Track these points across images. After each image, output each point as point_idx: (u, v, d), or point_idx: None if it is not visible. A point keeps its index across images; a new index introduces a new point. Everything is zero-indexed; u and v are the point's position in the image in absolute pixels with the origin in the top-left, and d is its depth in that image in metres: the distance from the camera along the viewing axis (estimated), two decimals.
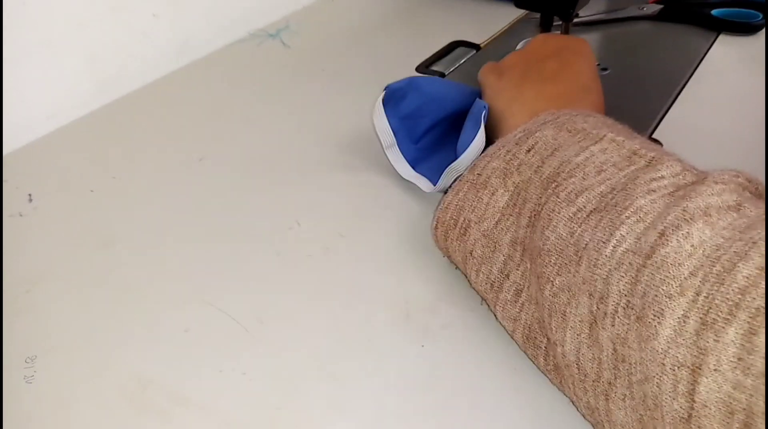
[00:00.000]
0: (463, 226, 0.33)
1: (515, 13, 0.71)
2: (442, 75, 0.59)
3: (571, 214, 0.28)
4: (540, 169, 0.31)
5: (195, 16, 0.63)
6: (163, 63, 0.61)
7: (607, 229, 0.26)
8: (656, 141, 0.47)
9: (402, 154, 0.43)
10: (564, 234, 0.28)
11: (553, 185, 0.30)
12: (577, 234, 0.27)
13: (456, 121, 0.43)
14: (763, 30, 0.63)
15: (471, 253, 0.33)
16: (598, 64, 0.61)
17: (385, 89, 0.43)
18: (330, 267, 0.38)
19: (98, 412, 0.30)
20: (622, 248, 0.25)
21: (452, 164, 0.39)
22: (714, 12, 0.65)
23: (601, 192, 0.28)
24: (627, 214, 0.26)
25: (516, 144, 0.33)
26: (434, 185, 0.41)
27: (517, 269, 0.31)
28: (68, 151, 0.50)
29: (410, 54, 0.62)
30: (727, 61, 0.59)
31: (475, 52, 0.64)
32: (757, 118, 0.50)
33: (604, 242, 0.26)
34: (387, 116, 0.42)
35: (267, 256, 0.39)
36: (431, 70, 0.60)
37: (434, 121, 0.43)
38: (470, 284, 0.34)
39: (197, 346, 0.33)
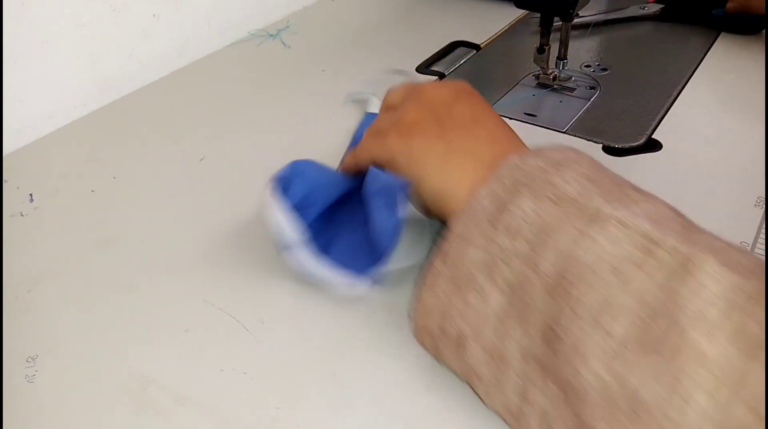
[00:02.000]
0: (458, 339, 0.28)
1: (515, 13, 0.71)
2: (443, 75, 0.59)
3: (608, 349, 0.23)
4: (534, 263, 0.26)
5: (195, 17, 0.63)
6: (163, 63, 0.61)
7: (665, 380, 0.22)
8: (656, 141, 0.47)
9: (308, 249, 0.35)
10: (606, 377, 0.23)
11: (563, 294, 0.24)
12: (624, 379, 0.22)
13: (343, 204, 0.38)
14: (763, 30, 0.63)
15: (477, 375, 0.28)
16: (598, 64, 0.61)
17: (271, 180, 0.36)
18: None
19: (99, 411, 0.30)
20: (694, 414, 0.21)
21: (381, 254, 0.34)
22: (714, 12, 0.65)
23: (638, 317, 0.23)
24: (688, 363, 0.21)
25: (490, 224, 0.27)
26: (359, 278, 0.35)
27: (539, 391, 0.25)
28: (69, 151, 0.50)
29: (410, 54, 0.62)
30: (727, 61, 0.59)
31: (475, 52, 0.64)
32: (757, 118, 0.50)
33: (667, 401, 0.21)
34: (282, 209, 0.35)
35: (267, 256, 0.39)
36: (431, 70, 0.60)
37: (323, 208, 0.37)
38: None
39: (198, 346, 0.33)
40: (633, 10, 0.69)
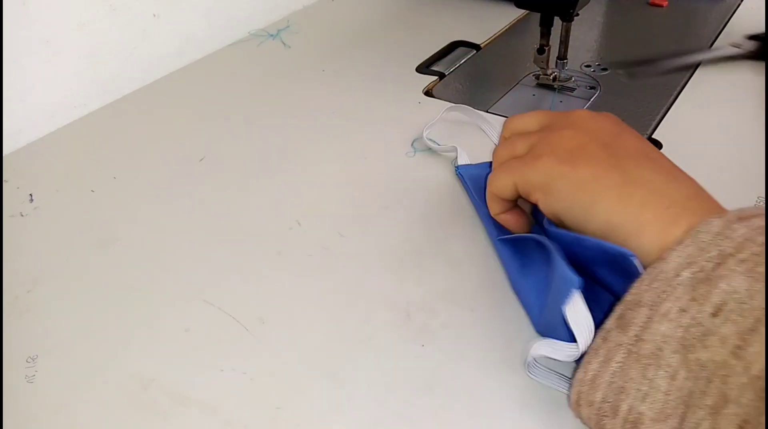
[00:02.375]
0: (631, 419, 0.25)
1: (515, 13, 0.71)
2: (442, 75, 0.59)
3: None
4: (741, 355, 0.22)
5: (195, 16, 0.63)
6: (163, 63, 0.61)
7: None
8: (656, 141, 0.47)
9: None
10: None
11: None
12: None
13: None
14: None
15: None
16: (598, 64, 0.61)
17: (575, 281, 0.28)
18: (330, 267, 0.38)
19: (99, 411, 0.30)
20: None
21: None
22: None
23: None
24: None
25: (692, 298, 0.24)
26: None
27: None
28: (69, 151, 0.51)
29: (410, 54, 0.62)
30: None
31: (475, 52, 0.64)
32: (757, 118, 0.50)
33: None
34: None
35: (267, 256, 0.39)
36: (431, 69, 0.60)
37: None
38: None
39: (198, 346, 0.33)
40: (726, 50, 0.59)
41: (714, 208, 0.28)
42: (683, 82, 0.55)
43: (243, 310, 0.35)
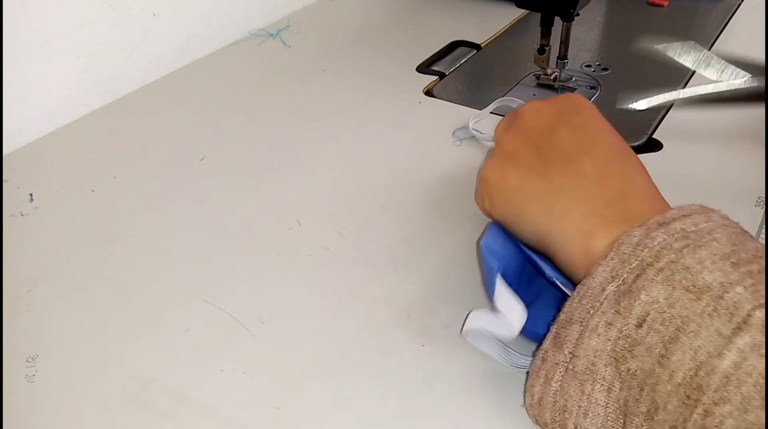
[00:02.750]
0: None
1: (515, 13, 0.71)
2: (443, 75, 0.59)
3: None
4: (666, 363, 0.23)
5: (195, 16, 0.63)
6: (163, 63, 0.61)
7: None
8: (656, 141, 0.47)
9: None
10: None
11: (700, 408, 0.22)
12: None
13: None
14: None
15: None
16: (599, 64, 0.61)
17: (493, 262, 0.30)
18: (330, 267, 0.38)
19: (99, 410, 0.30)
20: None
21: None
22: None
23: None
24: None
25: (616, 311, 0.25)
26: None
27: None
28: (69, 151, 0.51)
29: (410, 54, 0.62)
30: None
31: (475, 52, 0.64)
32: (757, 117, 0.50)
33: None
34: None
35: (268, 256, 0.39)
36: (431, 69, 0.60)
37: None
38: None
39: (198, 346, 0.33)
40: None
41: (635, 211, 0.27)
42: (683, 81, 0.55)
43: (243, 310, 0.35)
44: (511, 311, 0.29)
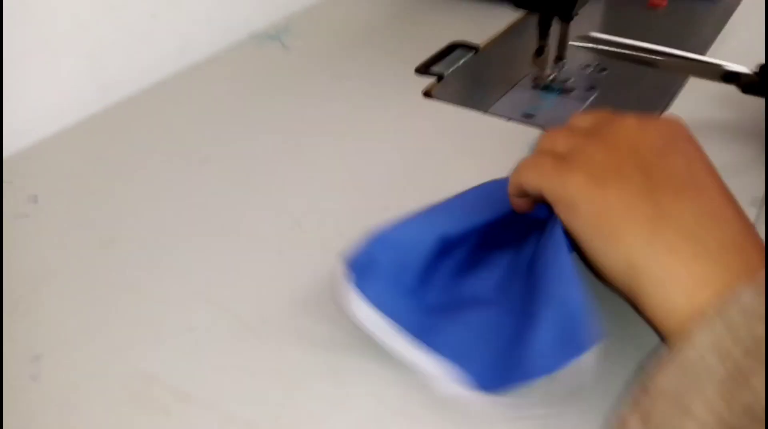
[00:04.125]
0: None
1: (514, 14, 0.71)
2: (441, 76, 0.59)
3: None
4: None
5: (195, 18, 0.64)
6: (163, 64, 0.61)
7: None
8: None
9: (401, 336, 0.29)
10: None
11: None
12: None
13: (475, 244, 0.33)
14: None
15: None
16: (597, 65, 0.61)
17: (344, 265, 0.30)
18: (330, 267, 0.38)
19: (103, 409, 0.31)
20: None
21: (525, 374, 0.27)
22: None
23: None
24: None
25: (721, 397, 0.21)
26: (475, 381, 0.28)
27: None
28: (72, 153, 0.51)
29: (410, 55, 0.62)
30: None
31: (474, 53, 0.64)
32: (757, 117, 0.50)
33: None
34: (369, 299, 0.30)
35: (268, 256, 0.39)
36: (430, 71, 0.60)
37: (420, 268, 0.31)
38: None
39: (201, 345, 0.33)
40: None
41: (753, 261, 0.24)
42: (683, 81, 0.56)
43: (245, 309, 0.35)
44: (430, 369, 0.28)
